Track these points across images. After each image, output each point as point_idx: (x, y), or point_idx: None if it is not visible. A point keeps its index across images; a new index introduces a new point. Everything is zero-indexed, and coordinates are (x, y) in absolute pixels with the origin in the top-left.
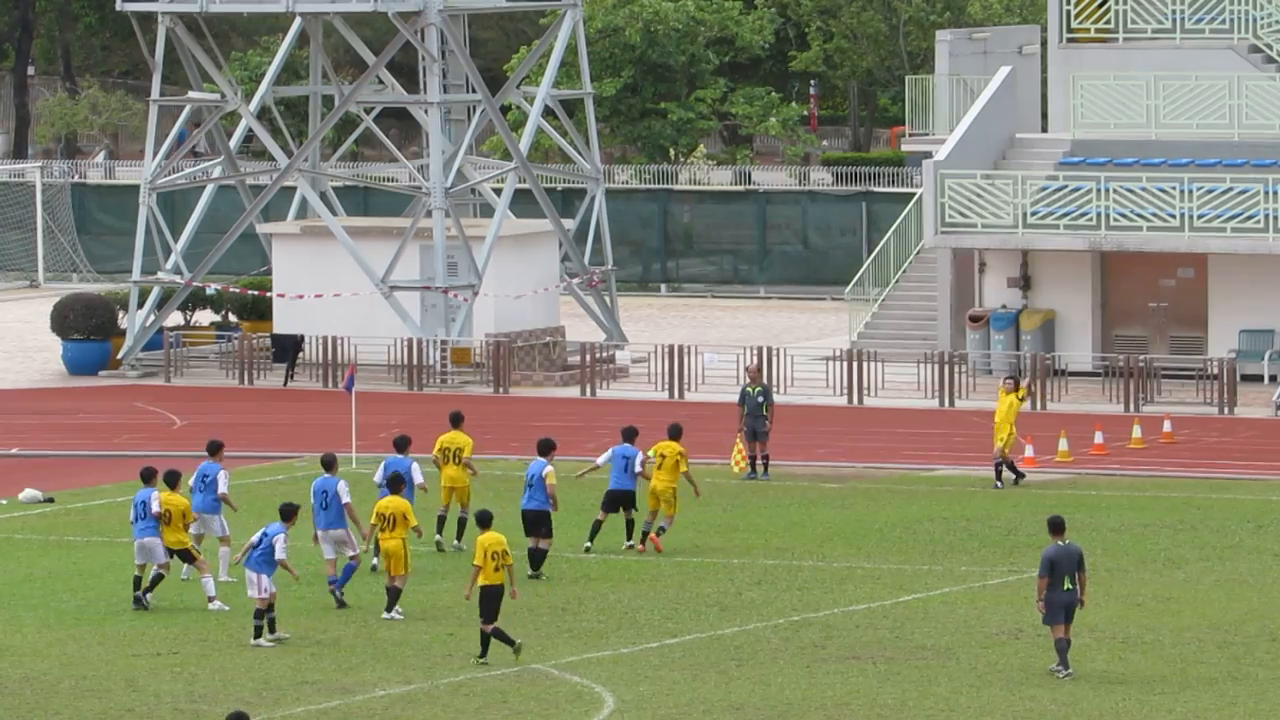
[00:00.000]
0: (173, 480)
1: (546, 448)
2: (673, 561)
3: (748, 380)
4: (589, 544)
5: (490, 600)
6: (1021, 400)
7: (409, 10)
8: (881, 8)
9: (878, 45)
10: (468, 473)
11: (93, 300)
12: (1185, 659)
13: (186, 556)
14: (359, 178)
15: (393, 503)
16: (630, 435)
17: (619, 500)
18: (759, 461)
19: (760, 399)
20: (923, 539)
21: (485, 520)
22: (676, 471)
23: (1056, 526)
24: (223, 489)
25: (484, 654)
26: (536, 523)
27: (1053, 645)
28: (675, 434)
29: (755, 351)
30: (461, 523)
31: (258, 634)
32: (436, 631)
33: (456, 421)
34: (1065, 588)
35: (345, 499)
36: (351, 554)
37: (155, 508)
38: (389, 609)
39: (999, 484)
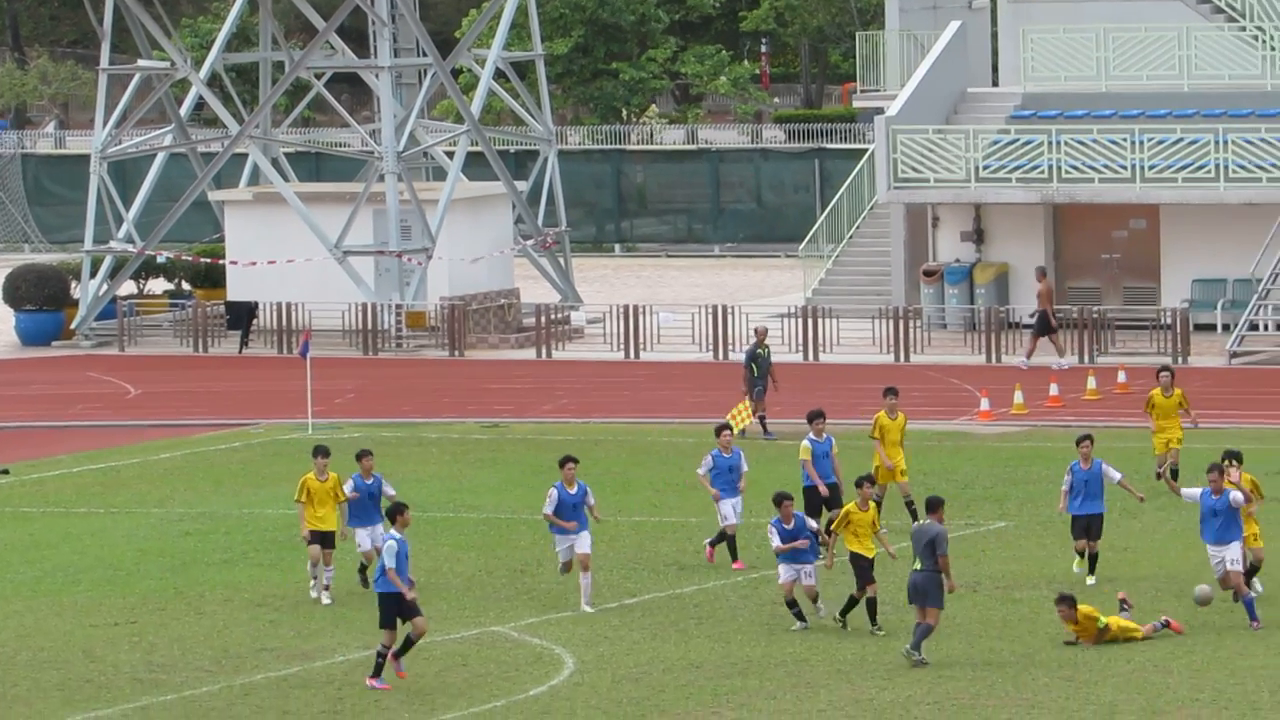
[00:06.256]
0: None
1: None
2: (630, 521)
3: (755, 341)
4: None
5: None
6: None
7: None
8: None
9: (828, 2)
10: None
11: (45, 270)
12: (1143, 608)
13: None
14: (311, 143)
15: None
16: None
17: (1090, 526)
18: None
19: (768, 360)
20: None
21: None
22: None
23: (932, 505)
24: None
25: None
26: (1093, 527)
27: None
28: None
29: (710, 310)
30: None
31: None
32: None
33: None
34: (914, 567)
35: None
36: None
37: (389, 490)
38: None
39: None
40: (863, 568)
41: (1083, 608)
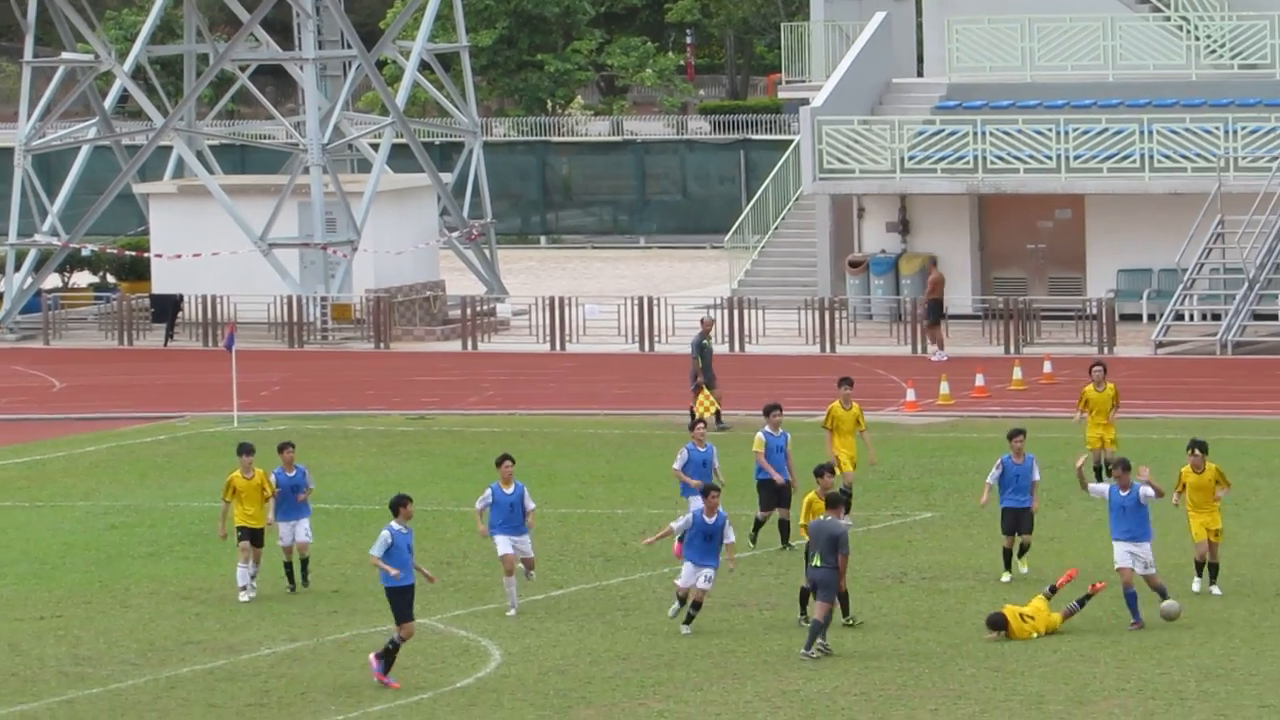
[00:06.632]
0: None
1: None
2: (557, 513)
3: (701, 332)
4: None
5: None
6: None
7: None
8: None
9: None
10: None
11: None
12: (1069, 599)
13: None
14: (235, 136)
15: None
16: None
17: (1020, 519)
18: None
19: (711, 350)
20: (806, 484)
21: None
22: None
23: (833, 502)
24: None
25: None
26: (1020, 520)
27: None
28: None
29: (636, 301)
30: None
31: None
32: (322, 589)
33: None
34: (814, 564)
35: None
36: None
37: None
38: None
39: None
40: None
41: (1018, 633)
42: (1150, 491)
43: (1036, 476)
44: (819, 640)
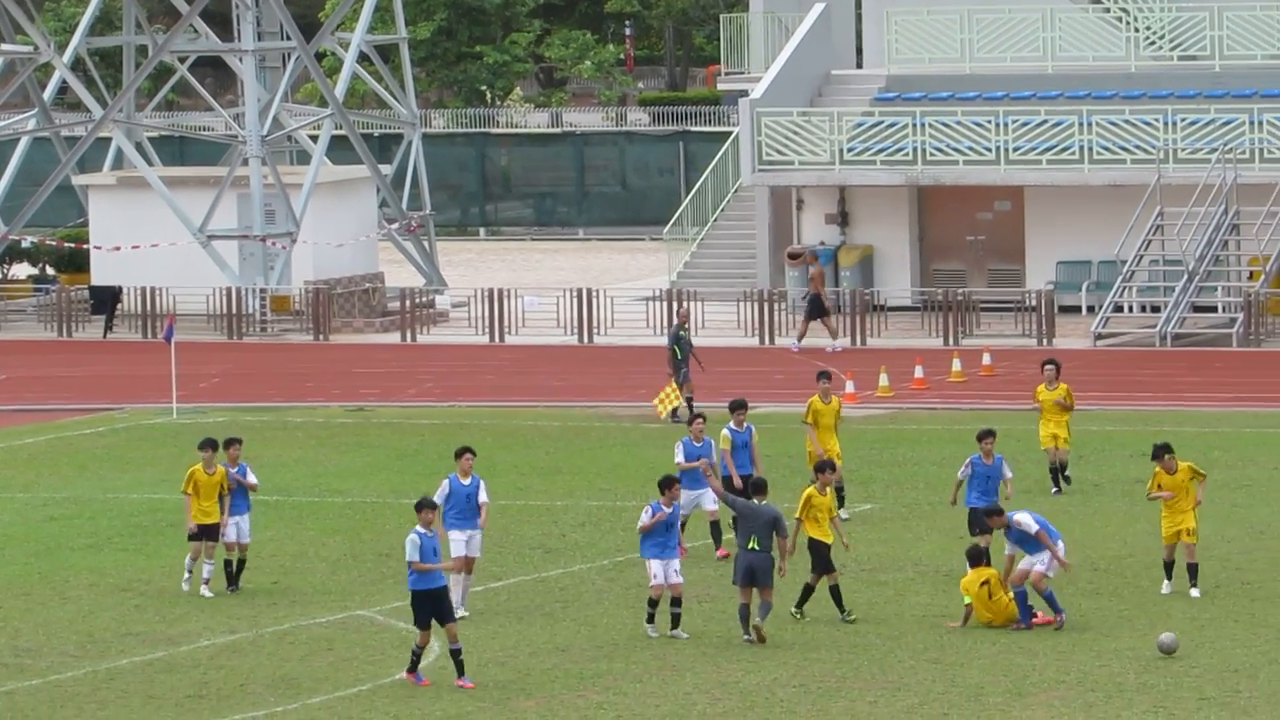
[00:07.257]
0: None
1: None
2: (496, 505)
3: (678, 323)
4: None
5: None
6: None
7: None
8: None
9: None
10: None
11: None
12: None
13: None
14: (175, 127)
15: None
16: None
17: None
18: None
19: (690, 341)
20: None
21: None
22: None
23: (757, 487)
24: None
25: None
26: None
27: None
28: None
29: (575, 293)
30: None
31: None
32: (260, 581)
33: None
34: (750, 547)
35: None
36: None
37: (252, 479)
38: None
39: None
40: (821, 554)
41: (969, 589)
42: (1026, 521)
43: (1008, 474)
44: (751, 634)
